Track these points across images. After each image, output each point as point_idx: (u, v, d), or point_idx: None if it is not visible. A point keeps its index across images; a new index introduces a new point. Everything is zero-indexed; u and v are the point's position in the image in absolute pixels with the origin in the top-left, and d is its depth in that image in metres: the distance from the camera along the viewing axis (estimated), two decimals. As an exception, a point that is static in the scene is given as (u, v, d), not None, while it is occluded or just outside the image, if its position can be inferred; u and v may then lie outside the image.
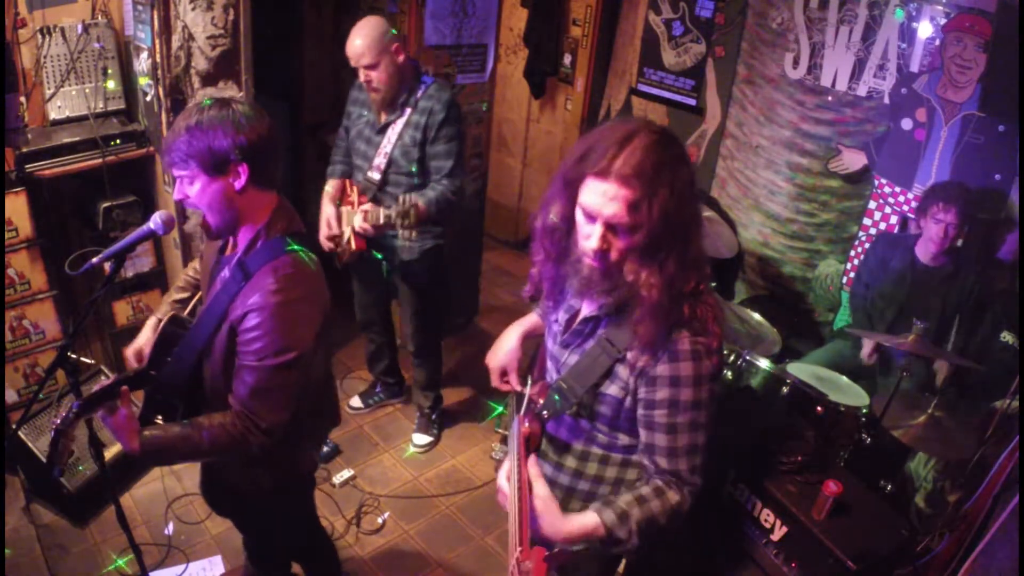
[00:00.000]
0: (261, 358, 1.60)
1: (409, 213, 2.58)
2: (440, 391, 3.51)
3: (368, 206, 2.78)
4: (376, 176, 2.87)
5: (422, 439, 3.41)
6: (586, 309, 1.54)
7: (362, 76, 2.72)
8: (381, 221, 2.68)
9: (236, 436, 1.64)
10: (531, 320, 1.85)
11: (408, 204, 2.58)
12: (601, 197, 1.31)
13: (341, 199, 3.04)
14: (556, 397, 1.54)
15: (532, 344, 1.87)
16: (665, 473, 1.45)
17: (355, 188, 2.95)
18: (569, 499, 1.64)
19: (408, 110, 2.79)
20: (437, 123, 2.75)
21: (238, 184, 1.60)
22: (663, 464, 1.45)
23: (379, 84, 2.71)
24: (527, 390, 1.71)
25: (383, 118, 2.85)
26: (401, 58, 2.72)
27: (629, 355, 1.43)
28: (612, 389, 1.48)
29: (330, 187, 3.05)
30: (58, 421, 1.61)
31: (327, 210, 3.01)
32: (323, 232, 3.01)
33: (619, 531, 1.39)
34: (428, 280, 3.11)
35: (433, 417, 3.46)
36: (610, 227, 1.33)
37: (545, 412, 1.57)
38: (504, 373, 1.81)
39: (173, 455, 1.67)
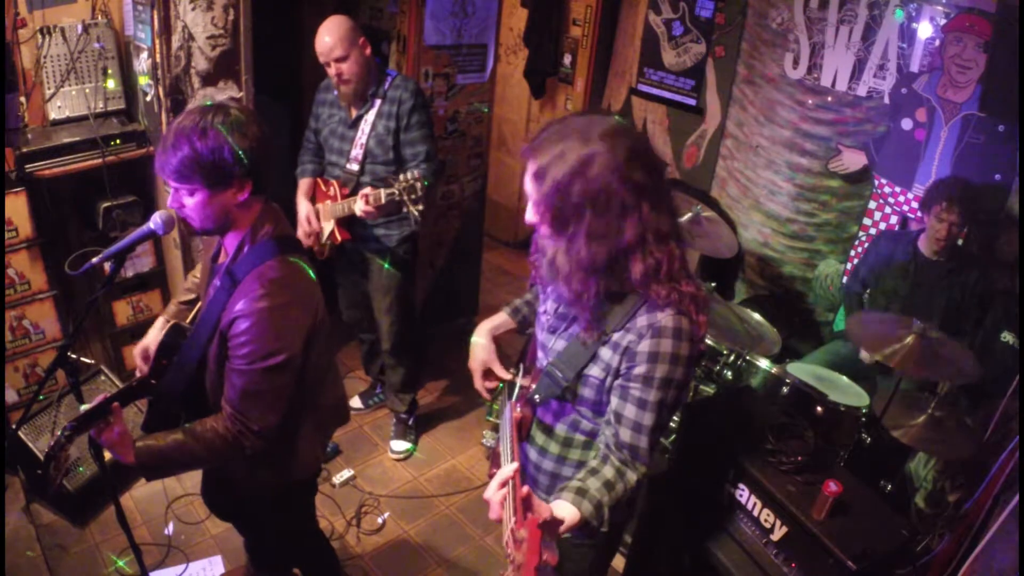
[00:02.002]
0: (249, 362, 1.60)
1: (415, 187, 2.62)
2: (416, 395, 3.50)
3: (368, 189, 2.80)
4: (355, 167, 2.93)
5: (400, 445, 3.39)
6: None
7: (333, 70, 2.78)
8: (383, 201, 2.70)
9: (229, 439, 1.65)
10: (498, 318, 1.88)
11: (412, 179, 2.62)
12: (526, 175, 1.42)
13: (315, 197, 3.09)
14: (547, 381, 1.57)
15: (504, 339, 1.89)
16: (624, 448, 1.49)
17: (333, 183, 2.98)
18: (554, 485, 1.67)
19: (378, 101, 2.87)
20: (407, 111, 2.85)
21: (241, 197, 1.60)
22: (625, 437, 1.48)
23: (350, 76, 2.77)
24: (518, 378, 1.73)
25: (354, 112, 2.91)
26: (368, 52, 2.82)
27: (615, 336, 1.46)
28: (594, 371, 1.51)
29: (303, 185, 3.09)
30: (51, 444, 1.61)
31: (304, 207, 3.04)
32: (303, 229, 3.03)
33: (594, 520, 1.43)
34: (404, 268, 3.14)
35: (410, 422, 3.44)
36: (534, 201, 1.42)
37: (537, 396, 1.59)
38: (488, 372, 1.82)
39: (171, 463, 1.68)
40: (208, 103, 1.60)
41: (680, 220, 3.23)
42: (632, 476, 1.49)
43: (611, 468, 1.48)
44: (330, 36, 2.72)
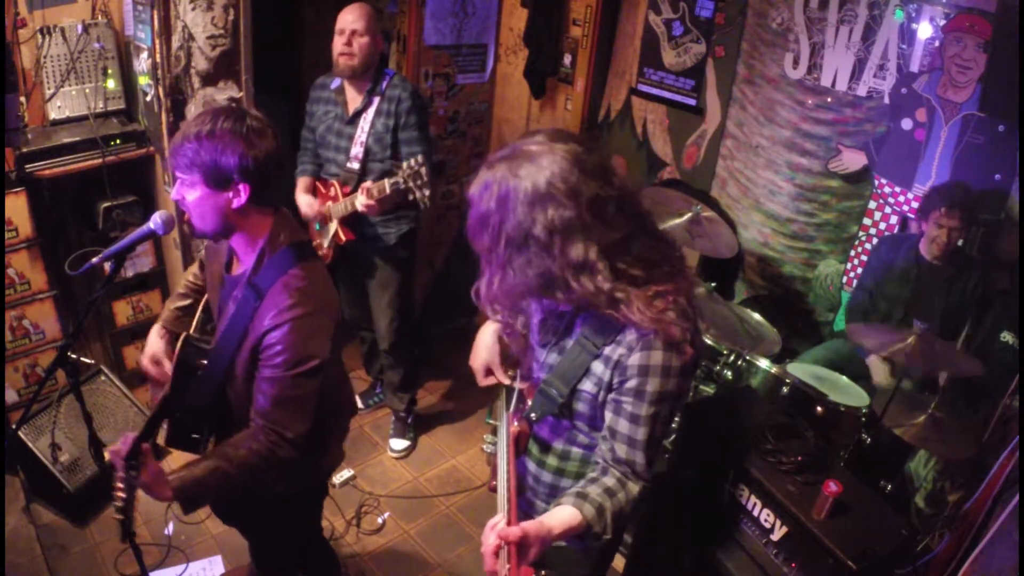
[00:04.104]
0: (285, 370, 1.61)
1: (420, 172, 2.61)
2: (415, 393, 3.50)
3: (369, 183, 2.79)
4: (356, 166, 2.93)
5: (399, 444, 3.40)
6: (560, 305, 1.55)
7: (343, 39, 2.80)
8: (388, 191, 2.69)
9: (263, 452, 1.63)
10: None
11: (416, 164, 2.62)
12: None
13: (315, 196, 3.09)
14: (542, 399, 1.56)
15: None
16: (622, 463, 1.47)
17: (334, 183, 2.98)
18: (553, 495, 1.66)
19: (376, 99, 2.89)
20: (405, 110, 2.88)
21: (237, 203, 1.60)
22: (621, 453, 1.46)
23: (358, 51, 2.80)
24: (516, 384, 1.72)
25: (351, 108, 2.92)
26: (380, 46, 2.88)
27: (606, 350, 1.45)
28: (587, 385, 1.49)
29: (301, 183, 3.09)
30: (122, 489, 1.55)
31: (305, 200, 3.04)
32: (309, 215, 3.04)
33: (597, 525, 1.41)
34: (403, 265, 3.14)
35: (409, 420, 3.44)
36: None
37: (533, 414, 1.58)
38: (489, 371, 1.83)
39: (208, 490, 1.62)
40: (226, 105, 1.61)
41: (671, 224, 3.26)
42: (633, 487, 1.47)
43: (611, 478, 1.47)
44: (357, 11, 2.81)
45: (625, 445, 1.46)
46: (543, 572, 1.26)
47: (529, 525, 1.32)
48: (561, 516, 1.39)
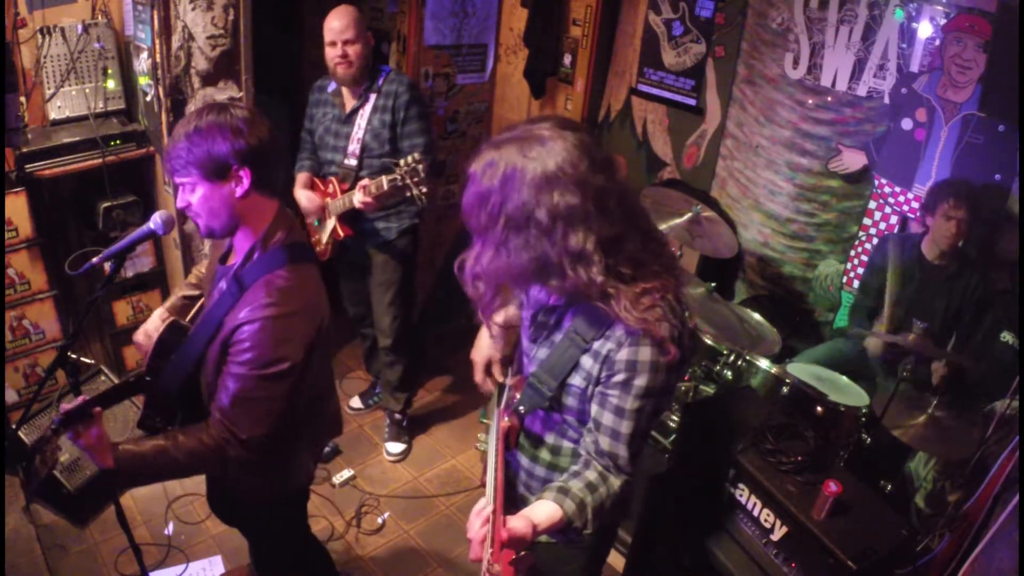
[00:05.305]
0: (249, 368, 1.58)
1: (417, 169, 2.61)
2: (414, 394, 3.49)
3: (366, 180, 2.79)
4: (353, 162, 2.93)
5: (395, 447, 3.38)
6: (550, 300, 1.56)
7: (338, 50, 2.79)
8: (386, 187, 2.68)
9: (212, 447, 1.61)
10: (510, 312, 1.86)
11: (413, 161, 2.62)
12: None
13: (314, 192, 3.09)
14: (530, 392, 1.56)
15: (515, 334, 1.88)
16: (604, 456, 1.47)
17: (332, 180, 2.98)
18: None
19: (373, 96, 2.89)
20: (404, 104, 2.87)
21: (240, 190, 1.59)
22: (604, 445, 1.47)
23: (355, 58, 2.80)
24: (508, 380, 1.73)
25: (348, 107, 2.92)
26: (371, 44, 2.87)
27: (595, 345, 1.45)
28: (576, 379, 1.49)
29: (300, 179, 3.09)
30: (38, 438, 1.60)
31: (304, 195, 3.04)
32: (309, 211, 3.04)
33: (578, 520, 1.42)
34: (405, 261, 3.14)
35: (403, 423, 3.43)
36: None
37: (522, 407, 1.58)
38: (489, 365, 1.83)
39: (150, 469, 1.63)
40: (210, 102, 1.62)
41: (671, 224, 3.26)
42: (615, 481, 1.47)
43: (593, 472, 1.47)
44: (343, 19, 2.77)
45: (609, 438, 1.46)
46: (522, 552, 1.26)
47: (516, 521, 1.34)
48: (543, 511, 1.40)
